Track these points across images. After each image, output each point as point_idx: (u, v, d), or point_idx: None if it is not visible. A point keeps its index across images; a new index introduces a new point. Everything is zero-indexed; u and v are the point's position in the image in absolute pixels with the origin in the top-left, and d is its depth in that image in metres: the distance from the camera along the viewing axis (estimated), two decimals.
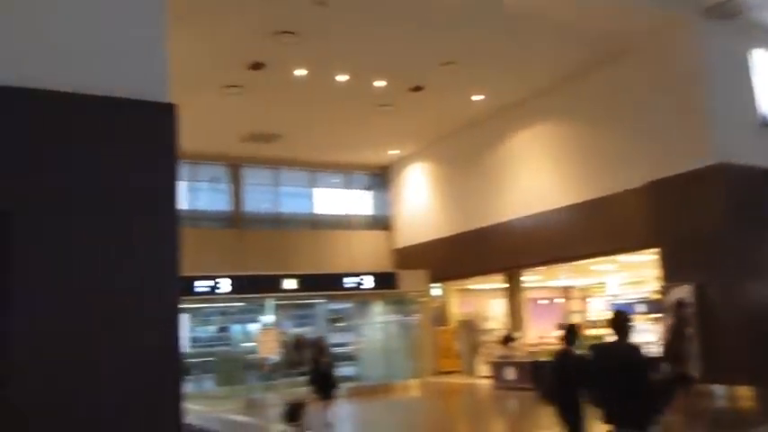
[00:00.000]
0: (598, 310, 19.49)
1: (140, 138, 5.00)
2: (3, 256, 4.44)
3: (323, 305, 18.95)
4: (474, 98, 16.77)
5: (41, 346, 4.41)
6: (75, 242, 4.64)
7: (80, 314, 4.56)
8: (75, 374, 4.48)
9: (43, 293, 4.48)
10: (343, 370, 17.13)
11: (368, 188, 23.02)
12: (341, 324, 19.33)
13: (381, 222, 22.76)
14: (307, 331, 19.39)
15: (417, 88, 15.65)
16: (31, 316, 4.42)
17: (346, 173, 22.41)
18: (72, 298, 4.56)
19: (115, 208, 4.79)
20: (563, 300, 21.47)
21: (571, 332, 6.62)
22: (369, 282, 18.61)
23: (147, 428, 4.65)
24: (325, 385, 11.81)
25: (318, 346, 12.77)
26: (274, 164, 20.82)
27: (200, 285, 16.37)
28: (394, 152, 21.47)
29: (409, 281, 19.00)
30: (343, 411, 11.72)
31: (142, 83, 5.05)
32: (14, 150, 4.55)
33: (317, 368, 12.14)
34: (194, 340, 17.53)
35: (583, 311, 20.95)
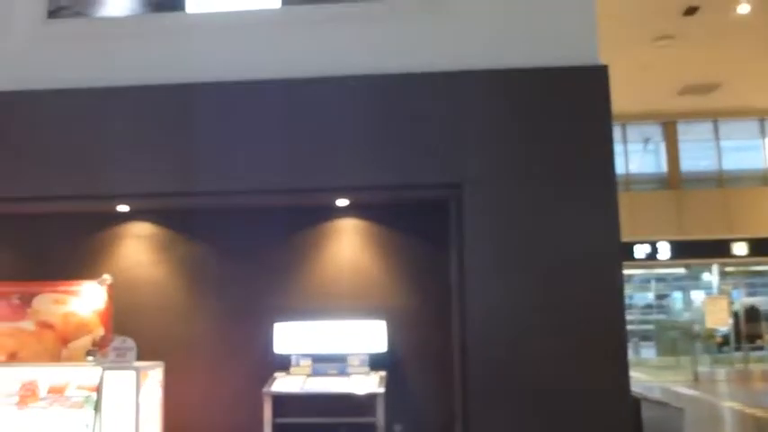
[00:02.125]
0: None
1: (574, 104, 4.92)
2: (458, 234, 4.85)
3: None
4: None
5: (492, 321, 4.70)
6: (520, 214, 4.81)
7: (529, 285, 4.72)
8: (527, 347, 4.66)
9: (493, 268, 4.76)
10: None
11: None
12: None
13: None
14: (760, 301, 17.31)
15: None
16: (481, 290, 4.74)
17: None
18: (520, 270, 4.74)
19: (555, 179, 4.82)
20: None
21: None
22: None
23: (596, 396, 4.61)
24: None
25: None
26: (713, 116, 18.85)
27: (638, 251, 15.89)
28: None
29: None
30: None
31: (571, 47, 4.96)
32: (461, 129, 4.92)
33: None
34: (631, 307, 17.14)
35: None
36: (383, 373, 5.79)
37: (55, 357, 5.90)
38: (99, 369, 5.29)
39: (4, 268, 6.31)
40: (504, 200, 4.81)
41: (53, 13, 5.54)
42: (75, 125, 5.29)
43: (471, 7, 5.09)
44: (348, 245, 6.27)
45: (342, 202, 6.03)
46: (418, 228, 6.15)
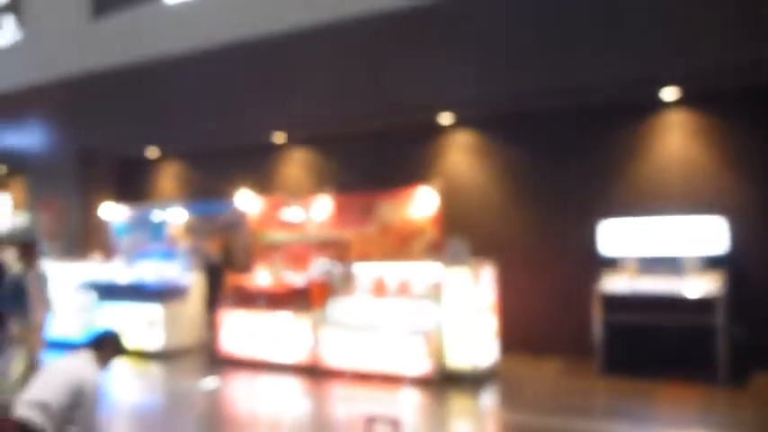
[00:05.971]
0: None
1: None
2: None
3: None
4: None
5: None
6: None
7: None
8: None
9: None
10: None
11: None
12: None
13: None
14: None
15: None
16: None
17: None
18: None
19: None
20: None
21: None
22: None
23: None
24: None
25: None
26: None
27: None
28: None
29: None
30: None
31: None
32: None
33: None
34: None
35: None
36: (721, 274, 5.41)
37: (396, 258, 6.58)
38: (438, 266, 5.80)
39: (352, 182, 7.18)
40: None
41: None
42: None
43: None
44: (677, 138, 5.90)
45: (670, 95, 5.68)
46: (758, 118, 5.54)
